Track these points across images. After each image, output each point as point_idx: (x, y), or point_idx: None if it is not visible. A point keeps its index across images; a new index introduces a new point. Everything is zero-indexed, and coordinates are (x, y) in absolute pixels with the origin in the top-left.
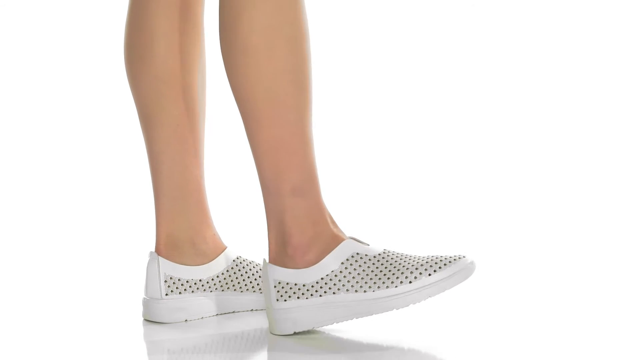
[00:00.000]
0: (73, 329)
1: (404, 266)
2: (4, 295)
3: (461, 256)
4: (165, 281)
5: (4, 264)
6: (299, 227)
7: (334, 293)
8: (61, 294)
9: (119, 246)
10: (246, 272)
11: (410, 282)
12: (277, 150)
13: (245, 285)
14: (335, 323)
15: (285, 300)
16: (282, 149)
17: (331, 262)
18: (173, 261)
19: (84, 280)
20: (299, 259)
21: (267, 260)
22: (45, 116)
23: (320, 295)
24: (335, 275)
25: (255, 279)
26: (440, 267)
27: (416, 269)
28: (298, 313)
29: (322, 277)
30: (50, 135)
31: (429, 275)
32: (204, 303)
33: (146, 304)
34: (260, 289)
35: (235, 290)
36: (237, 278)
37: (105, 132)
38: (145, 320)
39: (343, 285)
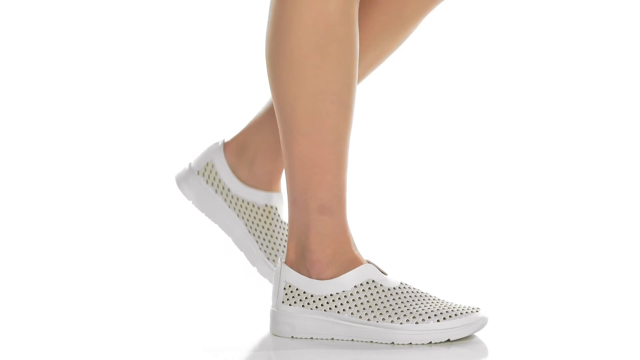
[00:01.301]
0: (73, 327)
1: (413, 307)
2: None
3: (475, 309)
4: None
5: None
6: (321, 245)
7: (338, 312)
8: (63, 295)
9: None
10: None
11: (416, 322)
12: (311, 168)
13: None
14: (333, 339)
15: (290, 305)
16: (316, 167)
17: (346, 282)
18: (227, 161)
19: (88, 280)
20: (314, 275)
21: (284, 261)
22: (46, 116)
23: (325, 310)
24: (345, 296)
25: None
26: (450, 316)
27: (425, 312)
28: (299, 320)
29: (332, 293)
30: (52, 134)
31: (437, 321)
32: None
33: None
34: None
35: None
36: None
37: (109, 131)
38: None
39: (350, 307)
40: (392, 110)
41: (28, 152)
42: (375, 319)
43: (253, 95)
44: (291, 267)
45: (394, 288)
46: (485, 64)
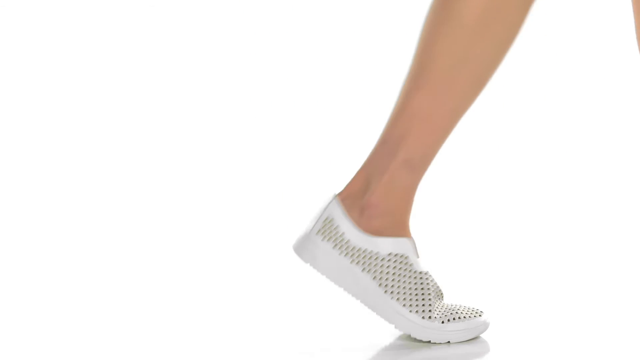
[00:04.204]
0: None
1: (427, 300)
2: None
3: (478, 313)
4: None
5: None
6: (387, 194)
7: (362, 270)
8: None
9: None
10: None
11: (422, 317)
12: (420, 121)
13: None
14: (343, 291)
15: (322, 239)
16: (424, 123)
17: (383, 246)
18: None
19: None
20: (364, 218)
21: (337, 195)
22: (46, 116)
23: (350, 262)
24: (376, 259)
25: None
26: (454, 319)
27: (434, 310)
28: (323, 256)
29: (366, 249)
30: (50, 134)
31: (442, 322)
32: None
33: None
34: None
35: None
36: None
37: (110, 131)
38: None
39: (374, 271)
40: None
41: (28, 151)
42: (391, 294)
43: (250, 96)
44: (344, 200)
45: (420, 272)
46: None
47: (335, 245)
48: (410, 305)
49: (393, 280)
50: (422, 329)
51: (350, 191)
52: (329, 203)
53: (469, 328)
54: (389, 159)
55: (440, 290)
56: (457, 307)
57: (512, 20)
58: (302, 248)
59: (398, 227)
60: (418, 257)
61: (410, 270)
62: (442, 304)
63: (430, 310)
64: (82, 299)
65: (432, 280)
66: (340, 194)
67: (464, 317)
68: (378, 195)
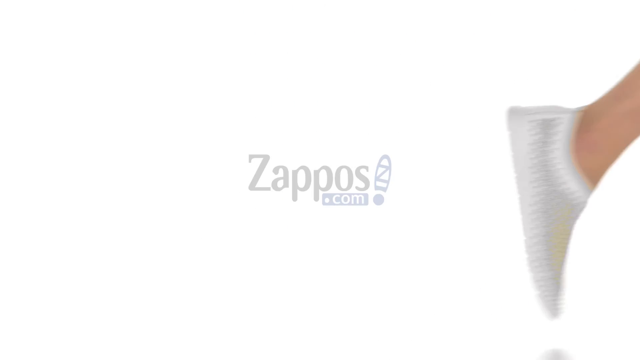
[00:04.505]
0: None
1: (550, 248)
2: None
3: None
4: None
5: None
6: (603, 137)
7: (531, 181)
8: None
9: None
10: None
11: (531, 261)
12: None
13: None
14: (511, 165)
15: (531, 128)
16: None
17: (573, 180)
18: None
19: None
20: (577, 145)
21: (579, 111)
22: (46, 116)
23: (530, 166)
24: (552, 184)
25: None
26: (553, 283)
27: (543, 277)
28: (520, 141)
29: (556, 170)
30: (49, 135)
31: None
32: None
33: None
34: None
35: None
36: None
37: (109, 131)
38: None
39: (539, 192)
40: (396, 108)
41: (28, 152)
42: (528, 216)
43: (249, 96)
44: (584, 116)
45: (569, 229)
46: (481, 63)
47: (536, 142)
48: (546, 234)
49: (546, 211)
50: (528, 246)
51: (584, 116)
52: (570, 112)
53: (543, 295)
54: (616, 103)
55: (566, 251)
56: (562, 282)
57: None
58: (515, 119)
59: (593, 176)
60: (579, 217)
61: (567, 220)
62: (564, 267)
63: (543, 270)
64: (82, 299)
65: (567, 236)
66: (580, 112)
67: (555, 304)
68: (596, 134)
